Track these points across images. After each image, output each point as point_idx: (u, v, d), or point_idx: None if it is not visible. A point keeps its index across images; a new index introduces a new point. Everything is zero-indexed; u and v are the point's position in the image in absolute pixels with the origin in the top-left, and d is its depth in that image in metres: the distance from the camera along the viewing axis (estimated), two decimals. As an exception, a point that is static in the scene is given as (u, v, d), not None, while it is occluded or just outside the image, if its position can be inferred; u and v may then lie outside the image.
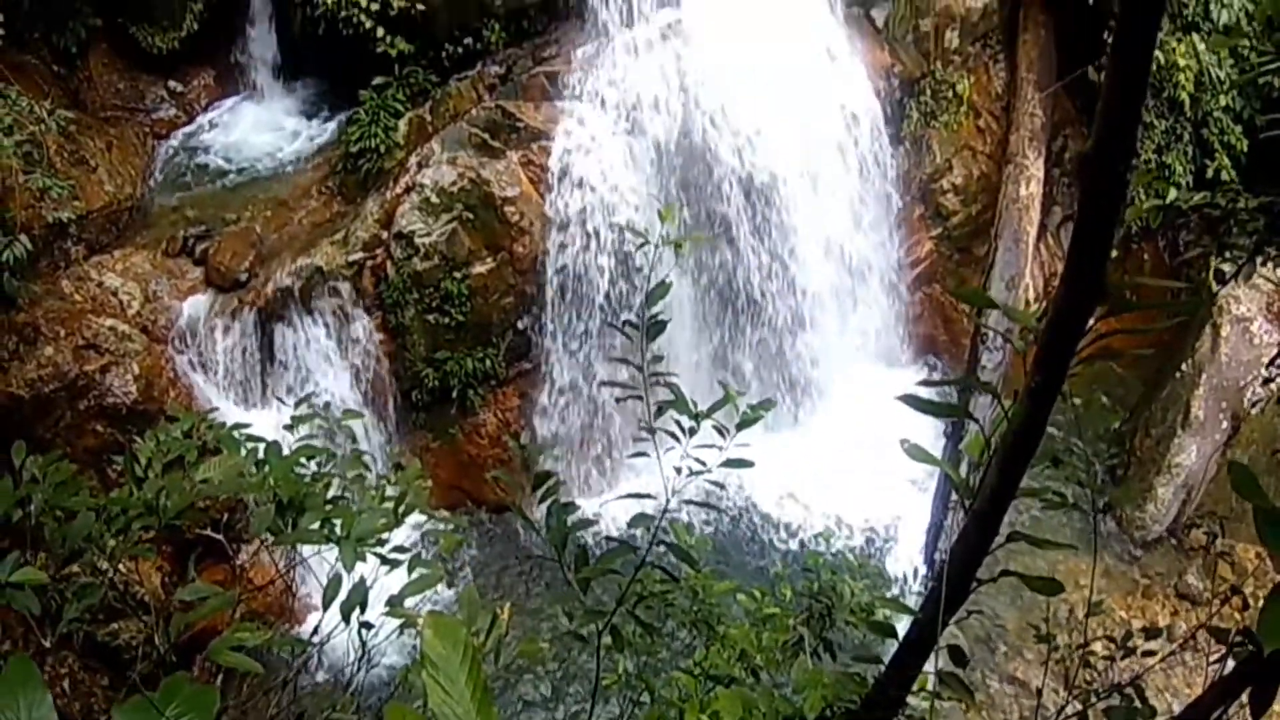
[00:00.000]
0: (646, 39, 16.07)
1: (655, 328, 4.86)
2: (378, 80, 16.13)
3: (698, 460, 4.71)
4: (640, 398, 4.82)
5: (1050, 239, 18.95)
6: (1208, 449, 16.31)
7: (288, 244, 15.71)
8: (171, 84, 17.91)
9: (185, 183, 16.89)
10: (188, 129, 17.68)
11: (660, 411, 4.75)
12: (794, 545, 16.44)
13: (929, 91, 18.27)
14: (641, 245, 5.16)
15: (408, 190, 15.41)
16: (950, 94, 18.41)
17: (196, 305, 15.12)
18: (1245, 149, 17.68)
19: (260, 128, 17.68)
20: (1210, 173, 17.61)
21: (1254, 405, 16.38)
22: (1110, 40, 2.79)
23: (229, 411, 14.18)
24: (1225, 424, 16.45)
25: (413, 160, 15.67)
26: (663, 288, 4.89)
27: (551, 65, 16.12)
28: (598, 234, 15.68)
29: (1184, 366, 16.77)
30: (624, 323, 4.82)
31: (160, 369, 14.62)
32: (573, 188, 15.62)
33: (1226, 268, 7.84)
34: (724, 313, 17.15)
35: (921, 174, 18.36)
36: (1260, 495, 2.86)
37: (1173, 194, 7.70)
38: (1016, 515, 15.01)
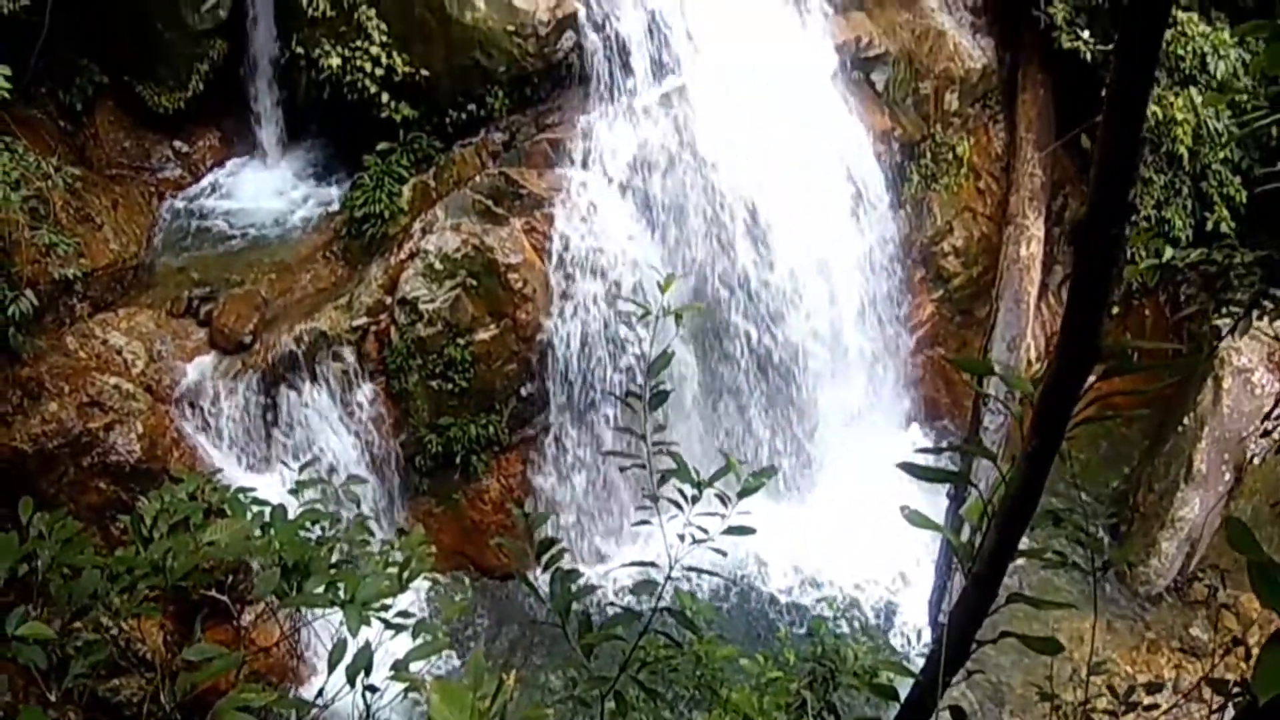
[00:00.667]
0: (648, 106, 16.24)
1: (657, 398, 4.91)
2: (382, 145, 16.24)
3: (700, 528, 4.76)
4: (644, 466, 4.87)
5: (1051, 298, 19.00)
6: (1211, 501, 16.35)
7: (292, 308, 15.80)
8: (177, 144, 17.95)
9: (190, 244, 16.91)
10: (192, 190, 17.71)
11: (663, 480, 4.80)
12: (798, 611, 16.41)
13: (929, 154, 18.37)
14: (643, 316, 5.23)
15: (411, 256, 15.52)
16: (950, 156, 18.54)
17: (201, 366, 15.17)
18: (1244, 200, 17.77)
19: (265, 190, 17.73)
20: (1210, 225, 17.72)
21: (1254, 457, 16.41)
22: (1105, 102, 2.85)
23: (232, 473, 14.17)
24: (1228, 475, 16.49)
25: (416, 226, 15.78)
26: (665, 358, 4.95)
27: (555, 132, 16.18)
28: (600, 301, 15.77)
29: (1185, 420, 16.84)
30: (626, 393, 4.88)
31: (164, 429, 14.65)
32: (576, 255, 15.71)
33: (1223, 324, 7.87)
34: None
35: (922, 237, 18.44)
36: (1255, 549, 2.89)
37: (1169, 253, 7.74)
38: (1023, 575, 15.03)
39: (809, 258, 16.79)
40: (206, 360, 15.25)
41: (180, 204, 17.44)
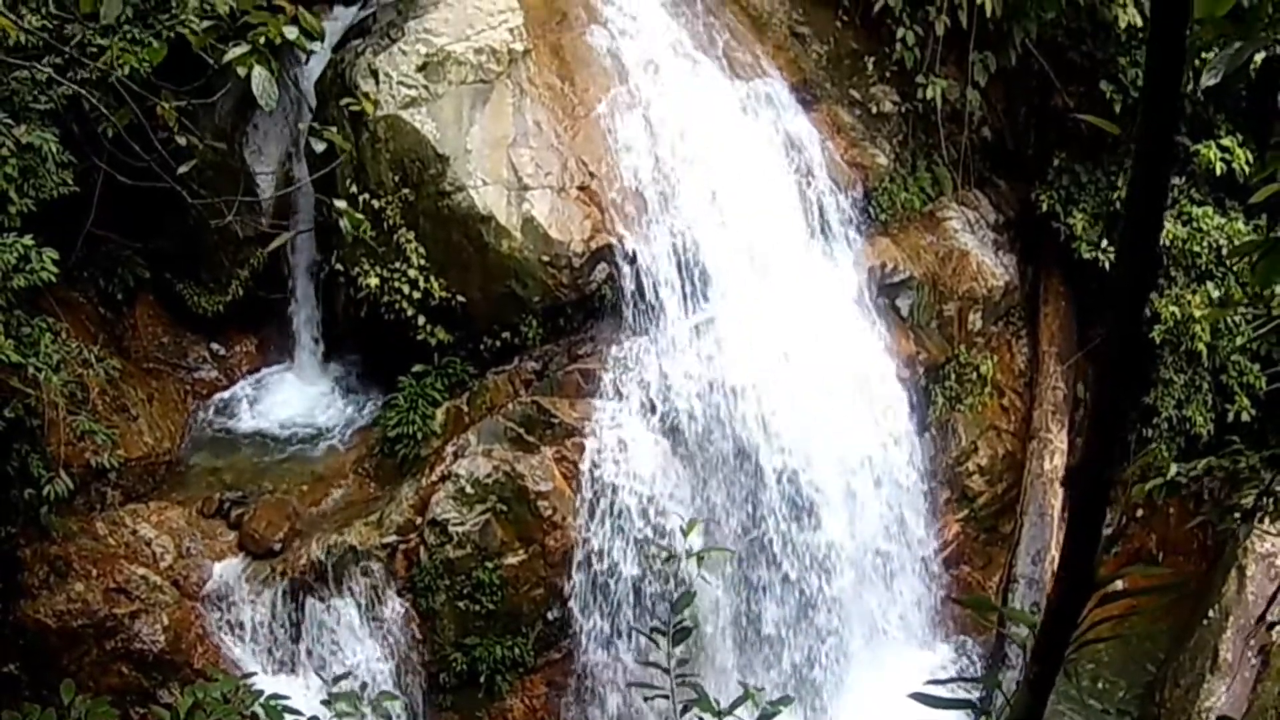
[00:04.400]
0: (678, 338, 16.54)
1: (680, 634, 5.19)
2: (417, 368, 16.52)
3: (722, 753, 5.01)
4: (667, 697, 5.14)
5: (1077, 507, 18.95)
6: (1238, 689, 16.20)
7: (323, 520, 16.02)
8: (214, 346, 18.24)
9: (223, 447, 17.16)
10: (227, 393, 17.97)
11: (685, 710, 5.07)
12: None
13: (954, 376, 18.48)
14: (667, 559, 5.57)
15: (443, 479, 15.69)
16: (974, 376, 18.65)
17: (229, 568, 15.38)
18: (1264, 385, 17.79)
19: (299, 401, 17.99)
20: (1231, 416, 17.89)
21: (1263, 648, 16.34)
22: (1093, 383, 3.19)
23: (257, 676, 14.22)
24: (1254, 660, 16.37)
25: (449, 450, 15.97)
26: (687, 597, 5.25)
27: (587, 363, 16.44)
28: (629, 532, 15.87)
29: (1211, 612, 16.87)
30: (651, 629, 5.18)
31: (189, 624, 14.83)
32: (605, 486, 15.86)
33: (1241, 530, 8.06)
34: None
35: (947, 459, 18.52)
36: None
37: (1173, 470, 8.00)
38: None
39: (836, 484, 16.96)
40: (235, 562, 15.46)
41: (215, 407, 17.73)
